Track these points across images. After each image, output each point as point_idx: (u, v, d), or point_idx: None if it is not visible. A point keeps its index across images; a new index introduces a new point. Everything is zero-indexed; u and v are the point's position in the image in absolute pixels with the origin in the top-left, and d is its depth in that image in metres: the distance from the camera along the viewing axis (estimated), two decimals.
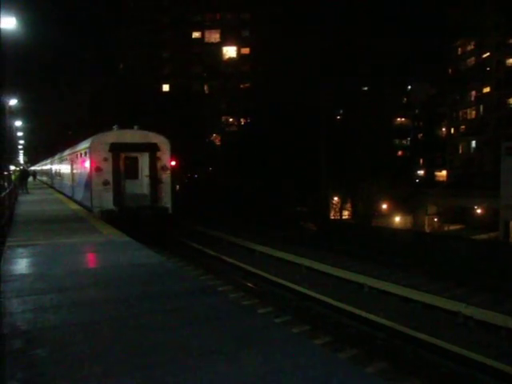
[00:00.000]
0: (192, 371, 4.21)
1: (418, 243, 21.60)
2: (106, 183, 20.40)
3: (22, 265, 9.23)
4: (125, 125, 23.18)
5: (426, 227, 50.95)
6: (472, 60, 70.08)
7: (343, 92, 41.18)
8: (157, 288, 7.18)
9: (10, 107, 37.27)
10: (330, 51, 39.73)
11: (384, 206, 49.25)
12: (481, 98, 67.60)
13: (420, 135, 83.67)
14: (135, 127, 22.58)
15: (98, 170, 20.54)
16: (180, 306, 6.12)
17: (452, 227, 48.54)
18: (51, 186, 44.30)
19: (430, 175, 76.41)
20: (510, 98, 61.38)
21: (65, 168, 33.04)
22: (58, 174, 38.92)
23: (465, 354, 8.46)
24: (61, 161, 36.42)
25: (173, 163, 23.43)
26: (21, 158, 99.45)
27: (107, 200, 20.23)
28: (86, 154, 22.23)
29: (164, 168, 21.36)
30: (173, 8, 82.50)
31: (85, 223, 16.42)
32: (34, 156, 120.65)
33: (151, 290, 7.06)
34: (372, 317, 10.46)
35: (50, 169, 46.78)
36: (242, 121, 52.84)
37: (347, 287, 13.66)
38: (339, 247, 21.28)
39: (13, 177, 41.22)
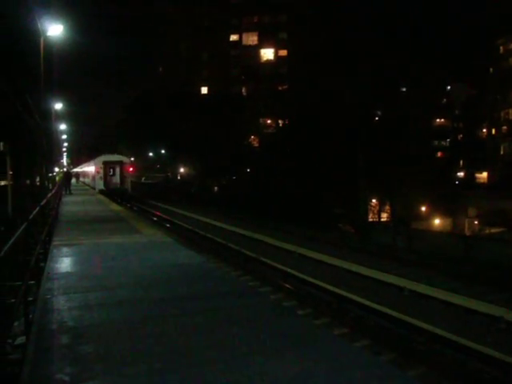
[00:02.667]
0: (234, 371, 4.28)
1: (457, 245, 21.18)
2: (101, 178, 44.84)
3: (67, 263, 9.52)
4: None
5: (466, 230, 49.81)
6: None
7: (381, 92, 40.68)
8: (198, 288, 7.30)
9: (56, 111, 38.26)
10: (367, 51, 39.33)
11: (423, 209, 48.40)
12: None
13: (460, 136, 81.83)
14: (115, 154, 52.71)
15: (98, 172, 45.48)
16: (222, 307, 6.21)
17: (493, 230, 47.30)
18: (83, 182, 67.75)
19: (470, 177, 74.66)
20: None
21: (87, 170, 62.36)
22: (85, 174, 67.02)
23: (507, 361, 8.27)
24: (86, 166, 67.35)
25: (131, 169, 47.85)
26: (64, 161, 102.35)
27: (101, 185, 44.28)
28: (94, 165, 48.58)
29: (126, 172, 45.65)
30: (211, 11, 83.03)
31: (126, 223, 16.77)
32: (76, 158, 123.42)
33: (193, 290, 7.19)
34: (412, 320, 10.34)
35: (83, 170, 74.00)
36: (280, 122, 52.73)
37: (387, 290, 13.52)
38: (377, 249, 21.07)
39: (57, 178, 42.98)
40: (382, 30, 40.67)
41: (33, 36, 21.85)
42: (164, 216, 33.50)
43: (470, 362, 8.52)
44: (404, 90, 47.46)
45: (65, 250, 10.90)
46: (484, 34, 72.80)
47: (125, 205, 36.72)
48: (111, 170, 44.96)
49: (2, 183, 19.51)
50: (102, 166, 44.89)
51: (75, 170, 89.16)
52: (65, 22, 22.39)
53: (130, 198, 43.26)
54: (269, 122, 57.16)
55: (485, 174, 73.97)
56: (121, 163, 45.38)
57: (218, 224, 28.65)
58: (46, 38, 21.97)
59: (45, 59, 22.92)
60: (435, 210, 49.63)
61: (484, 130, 78.58)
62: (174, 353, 4.68)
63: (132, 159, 63.68)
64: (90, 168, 56.46)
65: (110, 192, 40.56)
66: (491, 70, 74.51)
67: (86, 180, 62.41)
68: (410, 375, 7.65)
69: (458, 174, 75.49)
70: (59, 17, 22.37)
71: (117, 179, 44.71)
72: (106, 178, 44.44)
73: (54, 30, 21.47)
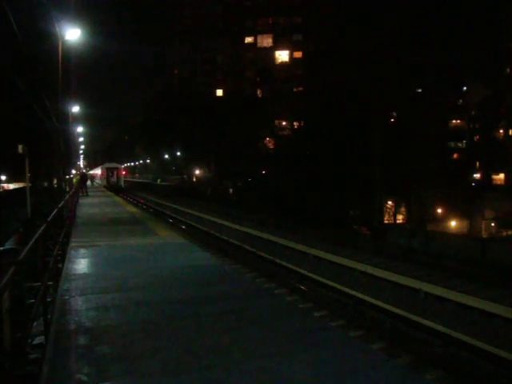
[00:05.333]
0: (251, 372, 4.29)
1: (474, 247, 20.94)
2: (105, 178, 68.27)
3: (84, 264, 9.62)
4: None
5: (483, 232, 49.28)
6: None
7: (397, 94, 40.46)
8: (214, 289, 7.33)
9: (73, 114, 38.46)
10: (384, 53, 39.11)
11: (439, 211, 48.02)
12: None
13: (476, 137, 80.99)
14: (113, 162, 78.05)
15: (103, 174, 72.36)
16: (238, 308, 6.23)
17: (511, 232, 46.76)
18: (98, 183, 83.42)
19: (486, 178, 73.79)
20: None
21: (97, 173, 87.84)
22: (96, 176, 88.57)
23: None
24: (96, 170, 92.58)
25: (123, 173, 74.63)
26: (81, 163, 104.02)
27: (105, 183, 66.93)
28: (100, 169, 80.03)
29: (121, 174, 68.23)
30: (226, 14, 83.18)
31: (142, 225, 16.88)
32: (92, 160, 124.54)
33: (209, 291, 7.22)
34: (427, 322, 10.28)
35: (96, 173, 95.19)
36: (296, 124, 52.62)
37: (402, 292, 13.44)
38: (392, 251, 20.93)
39: (74, 180, 43.27)
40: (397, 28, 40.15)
41: (51, 40, 22.13)
42: (179, 218, 33.65)
43: (488, 366, 8.46)
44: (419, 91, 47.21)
45: (82, 251, 11.01)
46: (500, 34, 71.87)
47: (140, 207, 41.26)
48: (111, 173, 66.72)
49: (21, 185, 19.78)
50: (105, 170, 68.75)
51: (91, 172, 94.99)
52: (82, 25, 22.60)
53: (123, 190, 63.58)
54: (284, 123, 57.07)
55: (502, 176, 73.16)
56: (117, 168, 68.79)
57: (233, 226, 28.66)
58: (64, 41, 22.19)
59: (63, 63, 23.15)
60: (451, 211, 49.19)
61: (501, 131, 77.71)
62: (190, 354, 4.72)
63: (126, 164, 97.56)
64: (98, 171, 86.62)
65: (111, 187, 60.68)
66: (508, 70, 73.77)
67: (98, 181, 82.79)
68: (427, 378, 7.61)
69: (475, 175, 74.68)
70: (77, 21, 22.57)
71: (114, 179, 66.23)
72: (108, 178, 66.62)
73: (72, 33, 21.69)
